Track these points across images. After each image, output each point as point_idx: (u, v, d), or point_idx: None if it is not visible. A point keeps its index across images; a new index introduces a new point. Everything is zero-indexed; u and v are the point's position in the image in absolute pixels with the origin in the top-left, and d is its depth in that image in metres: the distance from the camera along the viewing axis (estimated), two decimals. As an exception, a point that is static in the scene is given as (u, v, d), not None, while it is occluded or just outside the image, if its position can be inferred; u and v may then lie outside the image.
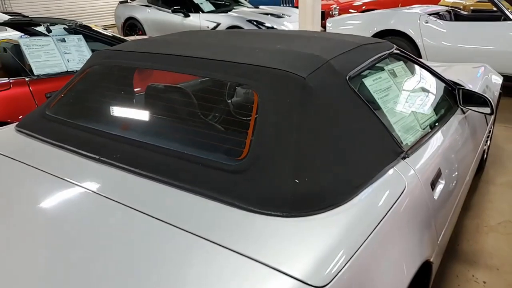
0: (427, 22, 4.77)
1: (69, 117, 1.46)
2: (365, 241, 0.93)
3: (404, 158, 1.28)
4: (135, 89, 1.76)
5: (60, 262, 0.82)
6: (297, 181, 0.98)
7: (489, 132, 2.60)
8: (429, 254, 1.17)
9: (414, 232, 1.11)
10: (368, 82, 1.36)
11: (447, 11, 5.32)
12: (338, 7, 7.68)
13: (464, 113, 1.91)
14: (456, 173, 1.58)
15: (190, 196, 1.01)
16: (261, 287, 0.75)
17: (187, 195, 1.02)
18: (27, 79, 2.54)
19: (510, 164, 3.17)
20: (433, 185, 1.34)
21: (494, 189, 2.82)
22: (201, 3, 7.69)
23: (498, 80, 2.78)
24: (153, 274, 0.78)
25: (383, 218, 1.02)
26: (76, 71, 2.76)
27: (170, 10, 7.72)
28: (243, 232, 0.89)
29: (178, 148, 1.15)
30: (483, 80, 2.52)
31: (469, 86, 2.09)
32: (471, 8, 7.07)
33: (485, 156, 3.08)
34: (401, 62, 1.64)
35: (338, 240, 0.89)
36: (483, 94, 1.83)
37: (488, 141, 3.13)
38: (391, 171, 1.19)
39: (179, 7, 7.63)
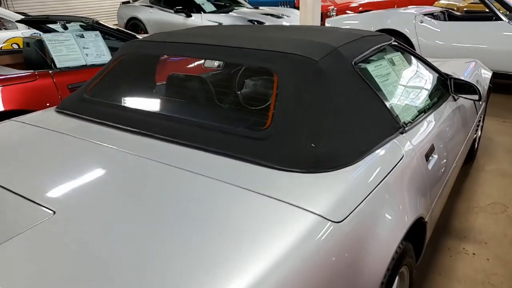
0: (422, 22, 4.99)
1: (105, 98, 1.65)
2: (370, 193, 1.13)
3: (402, 133, 1.48)
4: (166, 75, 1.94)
5: (133, 209, 1.01)
6: (313, 145, 1.18)
7: (479, 121, 2.81)
8: (423, 212, 1.36)
9: (410, 192, 1.30)
10: (370, 68, 1.56)
11: (441, 11, 5.55)
12: (335, 8, 7.90)
13: (455, 100, 2.12)
14: (447, 151, 1.79)
15: (225, 159, 1.20)
16: (291, 220, 0.94)
17: (223, 158, 1.20)
18: (50, 71, 2.72)
19: (500, 153, 3.38)
20: (427, 157, 1.54)
21: (484, 175, 3.03)
22: (203, 4, 7.89)
23: (487, 74, 3.00)
24: (208, 214, 0.96)
25: (384, 177, 1.22)
26: (93, 64, 2.95)
27: (172, 11, 7.91)
28: (272, 184, 1.08)
29: (212, 122, 1.34)
30: (473, 73, 2.73)
31: (461, 77, 2.28)
32: (465, 9, 7.32)
33: (476, 145, 3.30)
34: (399, 53, 1.84)
35: (348, 191, 1.09)
36: (472, 83, 2.04)
37: (479, 132, 3.34)
38: (391, 143, 1.39)
39: (181, 7, 7.82)
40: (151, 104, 1.60)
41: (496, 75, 4.76)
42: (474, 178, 2.98)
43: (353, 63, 1.45)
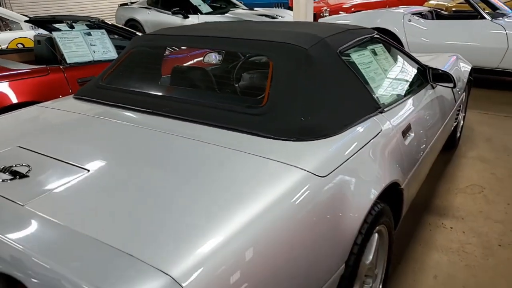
0: (410, 21, 5.24)
1: (119, 85, 1.85)
2: (350, 157, 1.34)
3: (381, 112, 1.70)
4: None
5: (148, 166, 1.21)
6: (303, 119, 1.39)
7: (458, 110, 3.03)
8: (399, 179, 1.57)
9: (386, 160, 1.52)
10: (354, 56, 1.78)
11: (429, 11, 5.80)
12: (328, 9, 8.14)
13: (433, 88, 2.34)
14: (424, 131, 2.01)
15: (228, 132, 1.41)
16: (283, 174, 1.15)
17: (226, 131, 1.41)
18: (61, 66, 2.92)
19: (480, 142, 3.61)
20: (404, 134, 1.75)
21: (465, 161, 3.26)
22: (199, 5, 8.11)
23: (467, 67, 3.23)
24: (214, 169, 1.17)
25: (363, 146, 1.43)
26: (100, 60, 3.15)
27: (170, 12, 8.12)
28: (267, 149, 1.29)
29: (216, 103, 1.55)
30: (453, 66, 2.97)
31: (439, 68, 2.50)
32: (453, 9, 7.58)
33: (459, 134, 3.53)
34: (381, 44, 2.06)
35: (331, 154, 1.30)
36: (448, 72, 2.26)
37: (461, 121, 3.57)
38: (371, 119, 1.60)
39: (178, 9, 8.03)
40: (159, 89, 1.81)
41: (480, 71, 5.01)
42: (456, 164, 3.21)
43: (338, 51, 1.67)
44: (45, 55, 3.03)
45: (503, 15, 4.91)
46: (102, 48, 3.23)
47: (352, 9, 8.22)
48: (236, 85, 2.16)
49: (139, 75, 1.95)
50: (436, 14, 5.84)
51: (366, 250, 1.50)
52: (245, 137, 1.37)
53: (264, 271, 0.95)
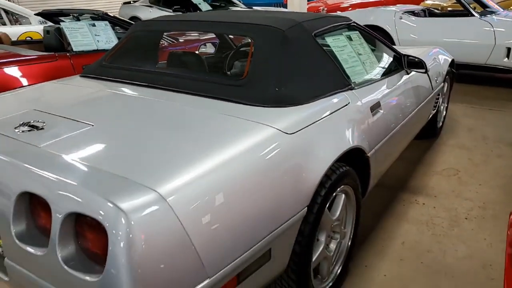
0: (401, 18, 5.45)
1: (121, 64, 2.08)
2: (316, 121, 1.56)
3: (351, 89, 1.91)
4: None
5: (150, 120, 1.43)
6: (277, 89, 1.61)
7: (437, 99, 3.23)
8: (363, 146, 1.78)
9: (350, 129, 1.73)
10: (329, 39, 2.00)
11: (422, 9, 6.00)
12: (326, 9, 8.36)
13: (408, 74, 2.55)
14: (395, 110, 2.21)
15: (213, 100, 1.62)
16: (256, 130, 1.37)
17: (211, 100, 1.63)
18: (68, 54, 3.16)
19: (462, 132, 3.81)
20: (372, 110, 1.97)
21: (444, 148, 3.46)
22: (199, 4, 8.33)
23: (447, 59, 3.43)
24: (198, 125, 1.38)
25: (330, 114, 1.65)
26: (104, 49, 3.38)
27: (171, 10, 8.36)
28: (245, 112, 1.50)
29: (205, 76, 1.77)
30: (433, 57, 3.17)
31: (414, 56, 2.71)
32: (448, 8, 7.78)
33: (440, 124, 3.73)
34: (357, 32, 2.27)
35: (300, 117, 1.52)
36: (421, 59, 2.47)
37: (444, 112, 3.78)
38: (340, 94, 1.82)
39: (179, 7, 8.27)
40: (156, 68, 2.04)
41: (468, 67, 5.21)
42: (435, 150, 3.42)
43: (313, 34, 1.88)
44: (54, 44, 3.26)
45: (492, 12, 5.11)
46: (106, 38, 3.46)
47: (350, 8, 8.43)
48: (225, 68, 2.39)
49: (138, 56, 2.18)
50: (429, 13, 6.04)
51: (333, 206, 1.72)
52: (227, 104, 1.59)
53: (235, 201, 1.16)
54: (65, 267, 1.01)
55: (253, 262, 1.22)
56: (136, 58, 2.17)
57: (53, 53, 3.08)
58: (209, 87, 1.70)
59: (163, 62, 2.45)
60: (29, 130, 1.38)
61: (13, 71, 2.85)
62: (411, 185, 2.84)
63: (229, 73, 2.14)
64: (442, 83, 3.28)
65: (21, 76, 2.86)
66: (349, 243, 1.88)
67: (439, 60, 3.25)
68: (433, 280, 1.93)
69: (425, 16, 5.91)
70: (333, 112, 1.68)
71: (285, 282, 1.51)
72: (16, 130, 1.39)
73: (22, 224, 1.14)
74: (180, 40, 4.25)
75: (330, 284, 1.77)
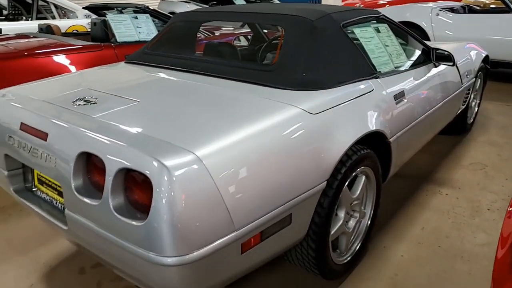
0: (438, 15, 5.40)
1: (162, 51, 2.27)
2: (339, 104, 1.68)
3: (376, 77, 2.01)
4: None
5: (190, 98, 1.60)
6: (304, 74, 1.75)
7: (467, 94, 3.25)
8: (384, 130, 1.88)
9: (372, 114, 1.84)
10: (356, 30, 2.11)
11: (461, 6, 5.90)
12: (362, 5, 8.34)
13: (436, 67, 2.61)
14: (419, 101, 2.29)
15: (246, 84, 1.78)
16: (283, 109, 1.51)
17: (244, 84, 1.78)
18: (112, 44, 3.41)
19: (493, 129, 3.79)
20: (396, 98, 2.06)
21: (474, 144, 3.47)
22: (235, -1, 8.55)
23: (480, 54, 3.43)
24: (233, 104, 1.54)
25: (352, 98, 1.77)
26: (145, 40, 3.62)
27: (208, 6, 8.62)
28: (273, 95, 1.65)
29: (238, 63, 1.93)
30: (465, 52, 3.20)
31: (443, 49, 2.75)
32: (491, 5, 7.56)
33: (472, 120, 3.73)
34: (385, 24, 2.37)
35: (324, 100, 1.65)
36: (450, 52, 2.53)
37: (476, 108, 3.76)
38: (365, 81, 1.93)
39: (215, 2, 8.52)
40: (194, 55, 2.22)
41: (505, 65, 5.10)
42: (464, 145, 3.43)
43: (341, 25, 2.00)
44: (100, 35, 3.52)
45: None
46: (146, 30, 3.69)
47: (387, 5, 8.36)
48: (257, 59, 2.54)
49: (177, 44, 2.37)
50: (469, 9, 5.92)
51: (354, 186, 1.84)
52: (258, 87, 1.74)
53: (261, 168, 1.31)
54: (115, 214, 1.20)
55: (275, 223, 1.37)
56: (176, 46, 2.36)
57: (99, 43, 3.34)
58: (242, 72, 1.86)
59: (200, 53, 2.64)
60: (84, 104, 1.58)
61: (65, 58, 3.12)
62: (436, 177, 2.90)
63: (261, 62, 2.32)
64: (474, 79, 3.29)
65: (71, 63, 3.13)
66: (369, 223, 1.99)
67: (471, 55, 3.26)
68: (449, 263, 2.00)
69: (464, 12, 5.82)
70: (357, 97, 1.80)
71: (305, 250, 1.64)
72: (74, 104, 1.60)
73: (80, 179, 1.34)
74: (216, 34, 4.45)
75: (349, 258, 1.89)
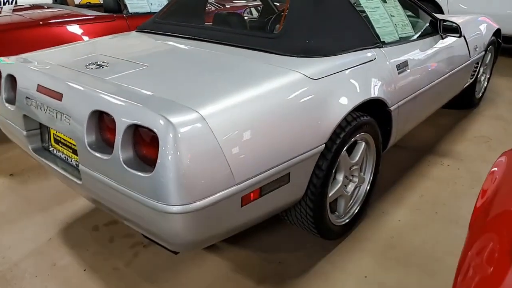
0: (452, -11, 5.30)
1: (171, 20, 2.34)
2: (340, 70, 1.74)
3: (379, 47, 2.05)
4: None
5: (201, 63, 1.68)
6: (307, 41, 1.80)
7: (476, 68, 3.24)
8: (385, 98, 1.93)
9: (373, 81, 1.89)
10: (362, 0, 2.13)
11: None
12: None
13: (443, 38, 2.62)
14: (423, 72, 2.32)
15: (251, 51, 1.84)
16: (286, 74, 1.57)
17: (249, 51, 1.85)
18: (124, 15, 3.47)
19: (501, 104, 3.79)
20: (399, 68, 2.10)
21: (480, 118, 3.48)
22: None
23: (491, 28, 3.40)
24: (237, 68, 1.61)
25: (354, 66, 1.82)
26: (156, 12, 3.67)
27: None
28: (277, 60, 1.71)
29: (244, 31, 1.99)
30: (475, 24, 3.17)
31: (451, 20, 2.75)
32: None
33: (480, 95, 3.73)
34: (392, -5, 2.38)
35: (325, 66, 1.71)
36: (457, 24, 2.53)
37: (485, 83, 3.75)
38: (368, 50, 1.97)
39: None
40: (202, 24, 2.28)
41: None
42: (470, 119, 3.45)
43: (346, -6, 2.03)
44: (112, 5, 3.58)
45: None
46: (158, 1, 3.74)
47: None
48: (265, 29, 2.58)
49: (186, 14, 2.43)
50: None
51: (353, 152, 1.91)
52: (262, 54, 1.80)
53: (262, 127, 1.40)
54: (125, 166, 1.30)
55: (274, 181, 1.46)
56: (185, 16, 2.42)
57: (111, 14, 3.41)
58: (248, 39, 1.92)
59: (209, 23, 2.69)
60: (96, 68, 1.67)
61: (78, 28, 3.21)
62: (440, 148, 2.94)
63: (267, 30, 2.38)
64: (483, 52, 3.27)
65: (84, 33, 3.22)
66: (368, 188, 2.07)
67: (482, 28, 3.24)
68: (444, 227, 2.08)
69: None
70: (358, 65, 1.85)
71: (303, 210, 1.74)
72: (86, 68, 1.69)
73: (92, 136, 1.44)
74: (227, 6, 4.47)
75: (347, 221, 1.99)
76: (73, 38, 3.11)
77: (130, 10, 3.53)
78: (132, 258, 1.94)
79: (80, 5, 4.52)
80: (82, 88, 1.49)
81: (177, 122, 1.22)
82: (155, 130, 1.22)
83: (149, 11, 3.64)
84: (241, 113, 1.36)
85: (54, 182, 2.58)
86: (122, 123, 1.30)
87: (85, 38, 3.22)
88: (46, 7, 3.73)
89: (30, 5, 3.93)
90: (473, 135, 3.16)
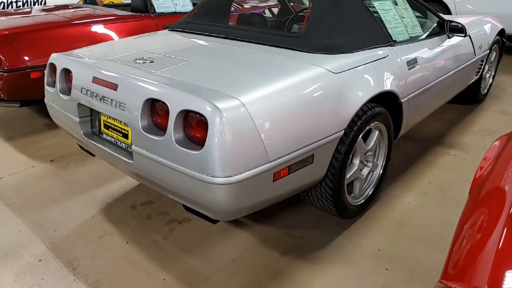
0: (460, -10, 5.48)
1: (202, 20, 2.57)
2: (356, 66, 1.96)
3: (391, 45, 2.27)
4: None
5: (232, 57, 1.91)
6: (327, 40, 2.03)
7: (481, 65, 3.44)
8: (396, 91, 2.15)
9: (386, 76, 2.11)
10: (376, 3, 2.35)
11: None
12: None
13: (449, 38, 2.83)
14: (431, 68, 2.54)
15: (277, 48, 2.07)
16: (309, 68, 1.80)
17: (276, 48, 2.08)
18: (152, 15, 3.72)
19: (507, 100, 3.98)
20: (409, 64, 2.32)
21: (486, 112, 3.68)
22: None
23: (496, 28, 3.59)
24: (264, 62, 1.84)
25: (369, 62, 2.04)
26: (180, 12, 3.91)
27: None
28: (300, 56, 1.94)
29: (271, 31, 2.22)
30: (480, 25, 3.37)
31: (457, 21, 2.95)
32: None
33: (485, 91, 3.92)
34: (403, -3, 2.59)
35: (344, 62, 1.93)
36: (463, 24, 2.74)
37: (490, 80, 3.94)
38: (381, 48, 2.19)
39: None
40: (228, 23, 2.52)
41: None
42: (476, 114, 3.65)
43: (361, -3, 2.25)
44: (139, 5, 3.82)
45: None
46: (182, 2, 3.98)
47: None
48: (284, 28, 2.81)
49: (215, 15, 2.66)
50: None
51: (368, 139, 2.13)
52: (288, 51, 2.04)
53: (291, 114, 1.63)
54: (177, 145, 1.54)
55: (300, 161, 1.69)
56: (213, 16, 2.66)
57: (140, 14, 3.66)
58: (275, 38, 2.15)
59: (233, 23, 2.93)
60: (143, 63, 1.91)
61: (110, 27, 3.46)
62: (446, 140, 3.15)
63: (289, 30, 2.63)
64: (488, 51, 3.47)
65: (114, 32, 3.47)
66: (380, 172, 2.30)
67: (486, 28, 3.43)
68: (450, 209, 2.30)
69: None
70: (373, 61, 2.07)
71: (323, 189, 1.97)
72: (135, 62, 1.93)
73: (145, 120, 1.68)
74: (246, 7, 4.70)
75: (362, 201, 2.21)
76: (104, 37, 3.36)
77: (157, 10, 3.77)
78: (168, 233, 2.18)
79: (108, 5, 4.77)
80: (136, 80, 1.73)
81: (223, 107, 1.45)
82: (205, 115, 1.46)
83: (174, 11, 3.88)
84: (274, 101, 1.59)
85: (91, 167, 2.84)
86: (174, 109, 1.54)
87: (115, 36, 3.47)
88: (75, 7, 3.98)
89: (56, 5, 4.19)
90: (478, 128, 3.36)
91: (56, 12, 3.67)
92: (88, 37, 3.30)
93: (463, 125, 3.43)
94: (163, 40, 2.39)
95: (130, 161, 1.80)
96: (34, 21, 3.26)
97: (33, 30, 3.08)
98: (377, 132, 2.16)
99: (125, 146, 1.89)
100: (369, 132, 2.14)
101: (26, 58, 2.98)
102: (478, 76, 3.48)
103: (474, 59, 3.18)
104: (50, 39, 3.16)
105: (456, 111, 3.68)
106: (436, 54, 2.62)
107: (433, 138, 3.19)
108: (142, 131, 1.67)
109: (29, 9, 4.11)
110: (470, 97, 3.71)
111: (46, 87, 2.24)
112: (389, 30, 2.33)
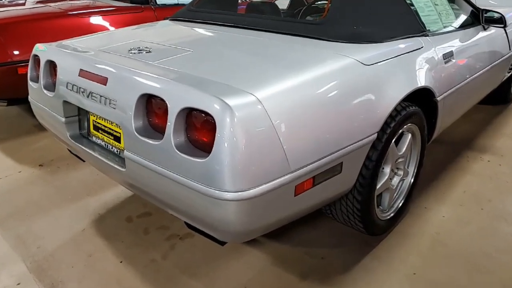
0: (481, -17, 5.16)
1: (206, 9, 2.28)
2: (390, 58, 1.66)
3: (425, 35, 1.97)
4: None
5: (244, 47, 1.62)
6: (355, 27, 1.73)
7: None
8: (432, 87, 1.85)
9: (421, 70, 1.81)
10: (409, -9, 2.06)
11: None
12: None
13: (485, 29, 2.52)
14: (467, 63, 2.23)
15: (298, 38, 1.78)
16: (338, 60, 1.50)
17: (294, 37, 1.78)
18: (152, 6, 3.44)
19: (538, 100, 3.66)
20: (445, 57, 2.01)
21: (517, 113, 3.37)
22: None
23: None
24: (287, 53, 1.55)
25: (403, 53, 1.74)
26: (183, 4, 3.63)
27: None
28: (326, 46, 1.65)
29: (285, 19, 1.93)
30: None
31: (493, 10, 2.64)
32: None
33: (515, 91, 3.61)
34: (435, -16, 2.29)
35: (375, 53, 1.63)
36: (501, 13, 2.44)
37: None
38: (415, 38, 1.89)
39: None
40: (236, 11, 2.23)
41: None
42: (506, 115, 3.34)
43: (393, -18, 1.95)
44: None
45: None
46: (185, -7, 3.70)
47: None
48: (299, 16, 2.52)
49: (220, 2, 2.38)
50: None
51: (400, 143, 1.83)
52: (308, 40, 1.74)
53: (317, 114, 1.33)
54: (177, 151, 1.24)
55: (327, 170, 1.39)
56: (219, 4, 2.37)
57: (140, 5, 3.38)
58: (292, 26, 1.85)
59: (241, 13, 2.64)
60: (139, 53, 1.62)
61: (108, 18, 3.18)
62: (477, 143, 2.84)
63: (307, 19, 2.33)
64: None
65: (112, 24, 3.19)
66: (412, 181, 1.99)
67: (519, 20, 3.12)
68: (492, 224, 1.99)
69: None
70: (407, 52, 1.77)
71: (350, 202, 1.67)
72: (129, 52, 1.64)
73: (140, 121, 1.39)
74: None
75: (392, 215, 1.91)
76: (101, 29, 3.08)
77: (158, 2, 3.49)
78: (168, 250, 1.89)
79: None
80: (129, 72, 1.44)
81: (234, 104, 1.16)
82: (212, 114, 1.16)
83: (176, 2, 3.60)
84: (296, 96, 1.30)
85: (83, 172, 2.56)
86: (174, 106, 1.25)
87: (113, 28, 3.19)
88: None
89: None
90: (510, 130, 3.05)
91: (52, 4, 3.40)
92: (83, 29, 3.02)
93: (493, 127, 3.12)
94: (163, 30, 2.10)
95: (123, 169, 1.51)
96: (24, 12, 2.98)
97: (21, 21, 2.81)
98: (409, 135, 1.86)
99: (117, 151, 1.60)
100: (400, 136, 1.84)
101: (14, 52, 2.70)
102: (510, 73, 3.17)
103: (508, 55, 2.87)
104: (41, 31, 2.88)
105: (485, 112, 3.37)
106: (471, 47, 2.31)
107: (462, 141, 2.88)
108: (136, 133, 1.38)
109: (23, 1, 3.85)
110: (500, 96, 3.40)
111: (30, 83, 1.95)
112: (422, 18, 2.03)
